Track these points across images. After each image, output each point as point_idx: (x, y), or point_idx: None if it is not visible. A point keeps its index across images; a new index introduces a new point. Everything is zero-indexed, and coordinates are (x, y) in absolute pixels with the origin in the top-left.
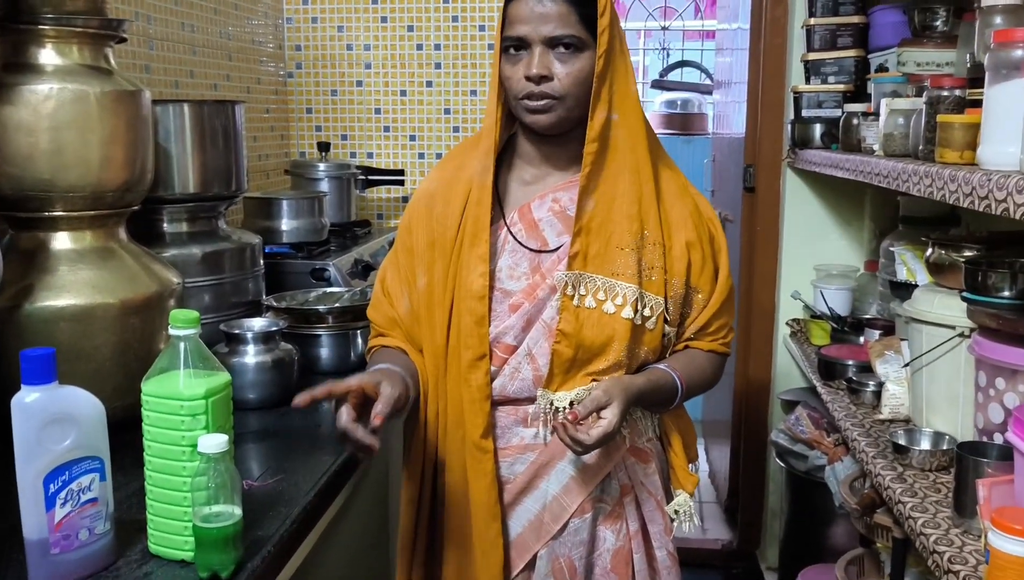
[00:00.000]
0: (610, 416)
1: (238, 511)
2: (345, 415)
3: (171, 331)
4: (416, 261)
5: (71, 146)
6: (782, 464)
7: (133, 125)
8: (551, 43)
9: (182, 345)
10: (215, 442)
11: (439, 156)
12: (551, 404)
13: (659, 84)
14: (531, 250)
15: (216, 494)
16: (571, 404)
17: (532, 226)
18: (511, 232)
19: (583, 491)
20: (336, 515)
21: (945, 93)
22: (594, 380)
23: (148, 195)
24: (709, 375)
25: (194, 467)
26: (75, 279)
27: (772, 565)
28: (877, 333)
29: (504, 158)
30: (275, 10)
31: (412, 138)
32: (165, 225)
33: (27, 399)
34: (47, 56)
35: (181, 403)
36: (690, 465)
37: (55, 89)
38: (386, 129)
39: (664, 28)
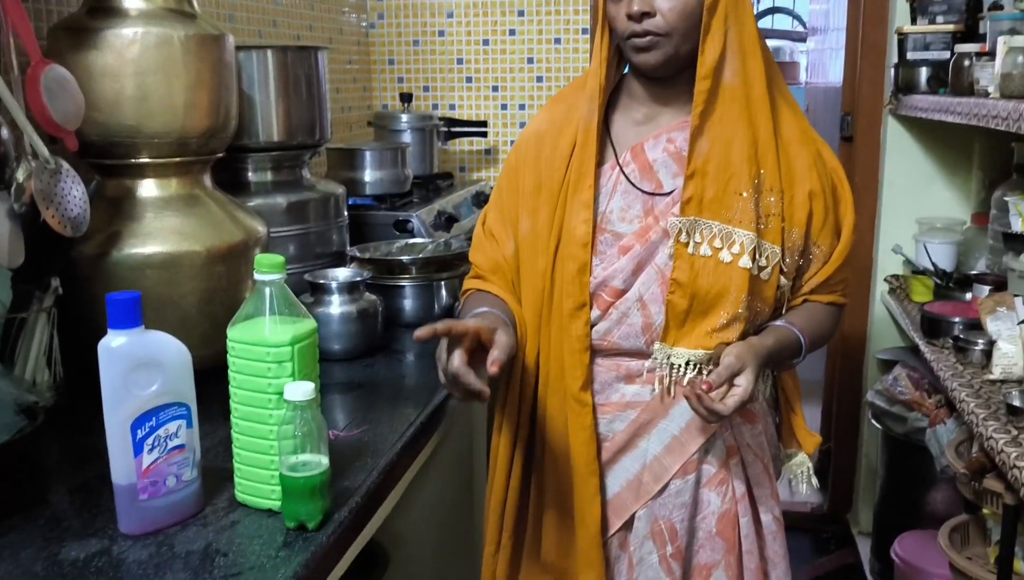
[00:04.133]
0: (744, 383)
1: (325, 461)
2: (458, 359)
3: (256, 276)
4: (521, 203)
5: (156, 91)
6: (878, 426)
7: (217, 70)
8: None
9: (268, 290)
10: (302, 389)
11: (522, 107)
12: (668, 358)
13: None
14: (644, 192)
15: (303, 443)
16: (687, 364)
17: (646, 167)
18: (624, 173)
19: (686, 452)
20: (422, 468)
21: None
22: (723, 344)
23: (232, 143)
24: (829, 328)
25: (280, 415)
26: (161, 226)
27: (865, 530)
28: (987, 289)
29: (615, 98)
30: None
31: (495, 89)
32: (250, 174)
33: (113, 344)
34: (130, 0)
35: (267, 350)
36: None
37: (139, 33)
38: (468, 80)
39: None
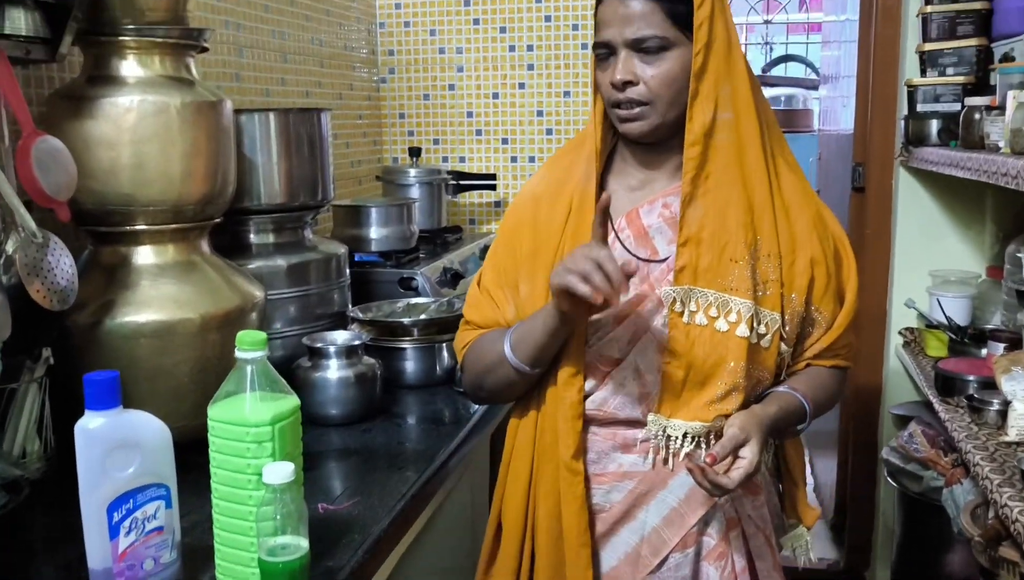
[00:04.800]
0: (750, 455)
1: (304, 543)
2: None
3: (237, 353)
4: (519, 267)
5: (152, 159)
6: (894, 483)
7: (214, 136)
8: (635, 45)
9: (249, 368)
10: (281, 471)
11: (531, 160)
12: (663, 431)
13: (761, 80)
14: (640, 259)
15: (283, 525)
16: (684, 436)
17: (641, 233)
18: (619, 239)
19: (685, 524)
20: (415, 541)
21: None
22: (721, 416)
23: (234, 206)
24: (833, 392)
25: (260, 496)
26: (156, 294)
27: None
28: (1002, 346)
29: (612, 161)
30: (368, 15)
31: (504, 141)
32: (251, 236)
33: (90, 425)
34: (129, 68)
35: (247, 429)
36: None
37: (136, 101)
38: (478, 133)
39: (767, 22)
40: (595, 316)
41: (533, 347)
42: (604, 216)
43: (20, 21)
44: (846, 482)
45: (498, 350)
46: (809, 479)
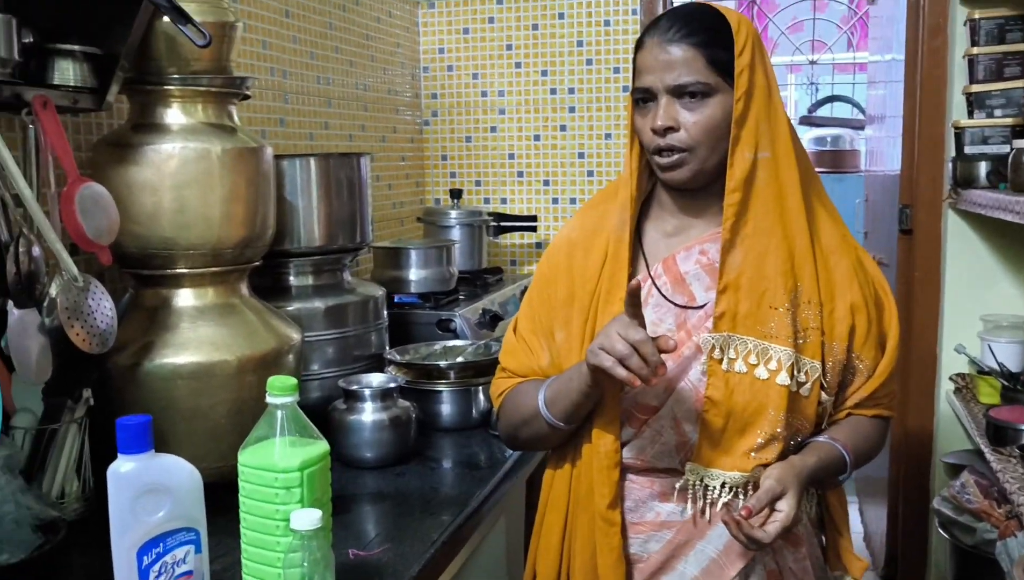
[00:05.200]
0: (787, 508)
1: None
2: (643, 331)
3: (268, 398)
4: (554, 314)
5: (193, 204)
6: (946, 535)
7: (254, 182)
8: (676, 92)
9: (279, 413)
10: (309, 518)
11: (573, 201)
12: (701, 480)
13: (808, 120)
14: (677, 305)
15: (310, 572)
16: (723, 486)
17: (678, 280)
18: (656, 285)
19: (724, 576)
20: None
21: None
22: (761, 466)
23: (274, 248)
24: (875, 442)
25: (288, 543)
26: (195, 336)
27: None
28: None
29: (648, 206)
30: (412, 60)
31: (546, 183)
32: (291, 278)
33: (122, 469)
34: (172, 115)
35: (275, 475)
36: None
37: (178, 148)
38: (519, 174)
39: (812, 62)
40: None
41: (567, 405)
42: (635, 297)
43: (69, 72)
44: (897, 532)
45: (532, 404)
46: (859, 528)
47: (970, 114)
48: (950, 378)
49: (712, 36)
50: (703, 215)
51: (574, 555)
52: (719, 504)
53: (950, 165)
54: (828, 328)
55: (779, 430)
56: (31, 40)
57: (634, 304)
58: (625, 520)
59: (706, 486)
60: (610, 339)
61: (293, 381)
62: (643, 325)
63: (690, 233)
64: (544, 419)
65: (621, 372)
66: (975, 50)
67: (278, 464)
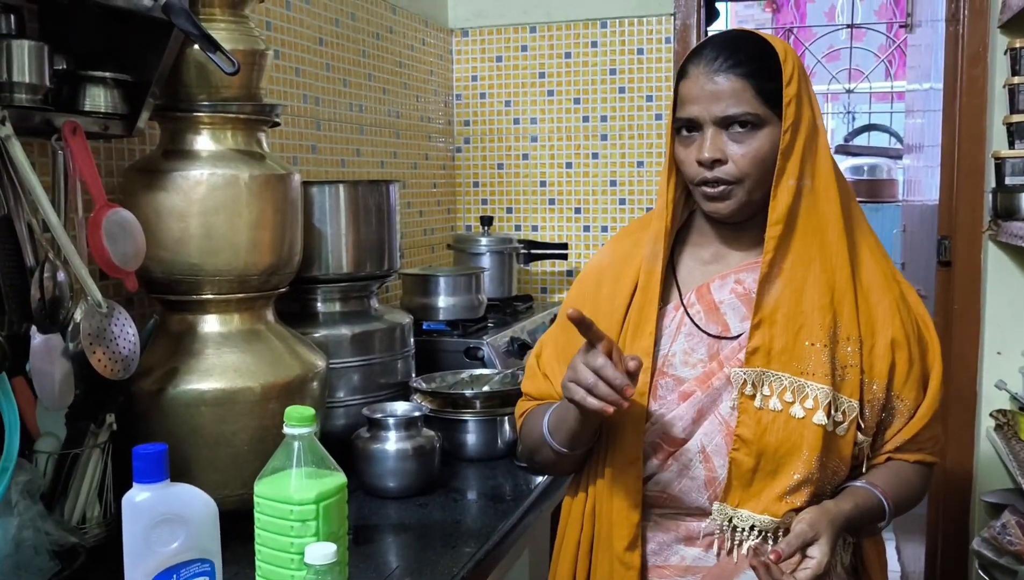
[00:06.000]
0: (819, 555)
1: None
2: (601, 355)
3: (285, 429)
4: (578, 343)
5: (220, 230)
6: (986, 577)
7: (281, 208)
8: (724, 123)
9: (296, 444)
10: (323, 552)
11: (604, 229)
12: (729, 521)
13: (844, 149)
14: (710, 335)
15: None
16: (752, 529)
17: (712, 308)
18: (688, 314)
19: None
20: None
21: None
22: (792, 510)
23: (302, 275)
24: (918, 490)
25: (302, 577)
26: (219, 362)
27: None
28: None
29: (683, 233)
30: (444, 88)
31: (577, 211)
32: (319, 305)
33: (137, 498)
34: (202, 142)
35: (291, 507)
36: None
37: (206, 174)
38: (551, 202)
39: (849, 91)
40: (663, 365)
41: (567, 433)
42: (583, 324)
43: (100, 99)
44: (935, 574)
45: (539, 430)
46: (896, 567)
47: (1011, 144)
48: (990, 414)
49: (759, 66)
50: (740, 244)
51: None
52: (744, 547)
53: (990, 196)
54: (867, 366)
55: (813, 472)
56: (64, 67)
57: (588, 327)
58: (648, 563)
59: (734, 527)
60: (575, 370)
61: (311, 411)
62: (610, 349)
63: (728, 261)
64: (549, 446)
65: (592, 402)
66: (1016, 80)
67: (294, 496)
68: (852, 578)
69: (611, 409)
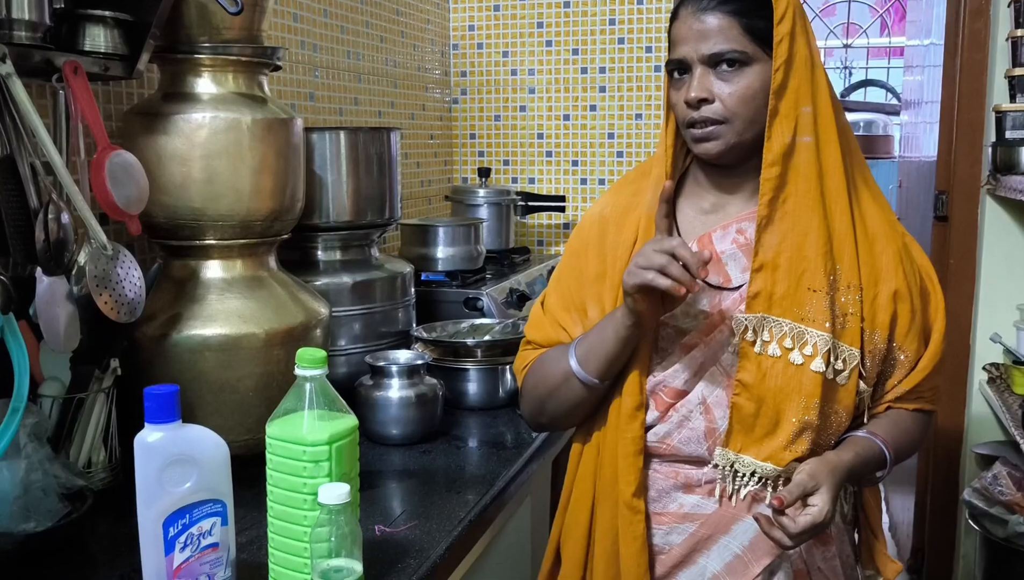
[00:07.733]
0: (820, 503)
1: (359, 567)
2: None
3: (297, 371)
4: (585, 290)
5: (222, 175)
6: (976, 527)
7: (284, 153)
8: (711, 61)
9: (308, 386)
10: (336, 492)
11: (601, 182)
12: (731, 466)
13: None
14: (711, 286)
15: (337, 547)
16: (752, 475)
17: (714, 259)
18: None
19: (749, 573)
20: (472, 568)
21: None
22: (796, 460)
23: (302, 223)
24: (916, 438)
25: (315, 517)
26: (223, 308)
27: None
28: None
29: (683, 183)
30: (442, 37)
31: (575, 164)
32: (319, 253)
33: (149, 439)
34: (203, 85)
35: (304, 448)
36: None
37: (208, 117)
38: (548, 154)
39: (846, 46)
40: (665, 315)
41: (603, 358)
42: (669, 206)
43: (100, 38)
44: (924, 523)
45: (563, 367)
46: (885, 517)
47: (1012, 98)
48: (984, 368)
49: (750, 3)
50: (741, 192)
51: (596, 541)
52: (743, 493)
53: (989, 150)
54: (869, 315)
55: (813, 419)
56: (62, 5)
57: (666, 214)
58: (648, 510)
59: (735, 472)
60: (645, 256)
61: (322, 353)
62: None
63: (728, 210)
64: (578, 378)
65: (663, 282)
66: (1018, 32)
67: (307, 437)
68: (850, 527)
69: (683, 290)
